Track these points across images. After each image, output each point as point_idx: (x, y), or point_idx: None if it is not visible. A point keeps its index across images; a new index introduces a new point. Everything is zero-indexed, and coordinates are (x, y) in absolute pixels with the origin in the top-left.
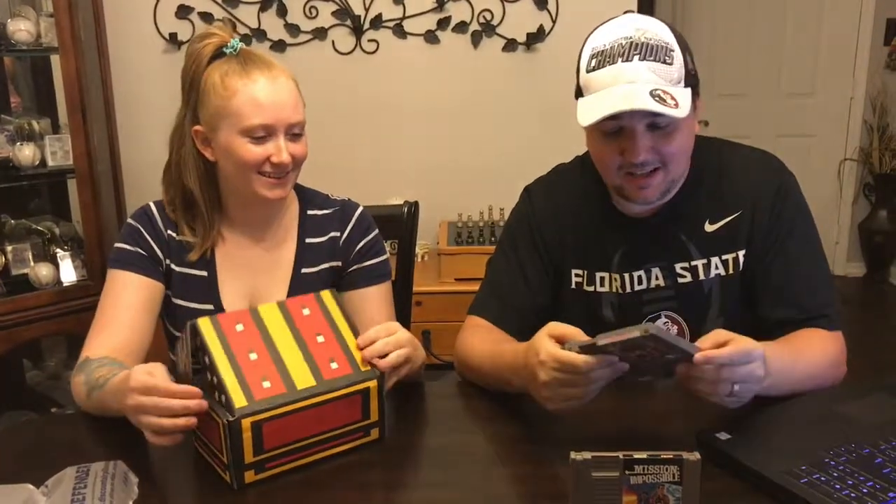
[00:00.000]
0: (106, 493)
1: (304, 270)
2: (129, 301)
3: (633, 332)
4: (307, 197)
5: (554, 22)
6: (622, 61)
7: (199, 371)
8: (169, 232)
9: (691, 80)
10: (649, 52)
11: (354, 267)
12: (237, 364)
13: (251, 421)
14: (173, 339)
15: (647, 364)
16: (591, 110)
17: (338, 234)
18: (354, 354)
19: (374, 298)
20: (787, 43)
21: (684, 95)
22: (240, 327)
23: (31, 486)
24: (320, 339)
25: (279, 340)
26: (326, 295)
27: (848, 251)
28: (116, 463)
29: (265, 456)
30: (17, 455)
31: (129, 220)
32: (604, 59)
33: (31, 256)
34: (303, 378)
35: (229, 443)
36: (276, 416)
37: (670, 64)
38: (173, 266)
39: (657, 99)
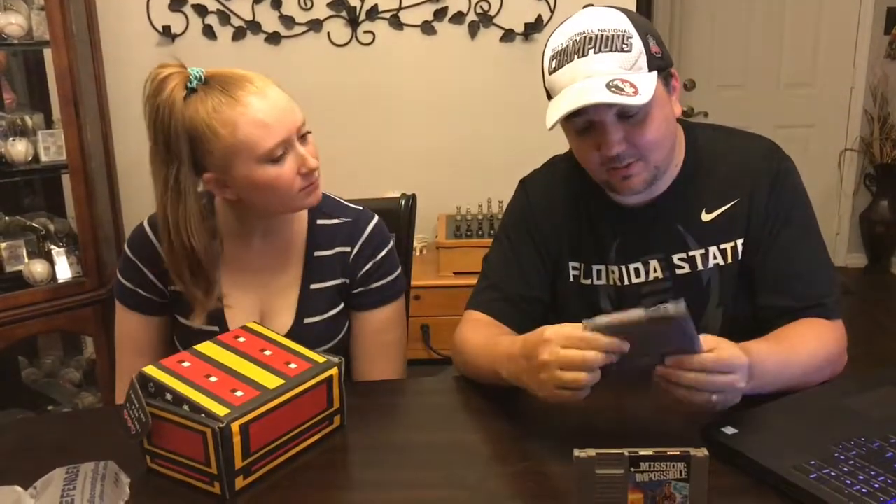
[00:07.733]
0: (95, 494)
1: (312, 286)
2: (143, 345)
3: (667, 310)
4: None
5: (552, 12)
6: (578, 58)
7: (156, 417)
8: None
9: (658, 62)
10: (604, 43)
11: (360, 289)
12: (201, 387)
13: (239, 424)
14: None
15: (628, 363)
16: (552, 111)
17: (347, 249)
18: (307, 353)
19: (382, 319)
20: (786, 33)
21: (647, 80)
22: (186, 364)
23: (18, 488)
24: (267, 352)
25: (230, 362)
26: (253, 325)
27: (849, 242)
28: (107, 463)
29: (252, 459)
30: (6, 455)
31: (126, 250)
32: (562, 58)
33: (25, 253)
34: (270, 380)
35: (221, 451)
36: (260, 416)
37: (628, 51)
38: (175, 288)
39: (613, 89)
